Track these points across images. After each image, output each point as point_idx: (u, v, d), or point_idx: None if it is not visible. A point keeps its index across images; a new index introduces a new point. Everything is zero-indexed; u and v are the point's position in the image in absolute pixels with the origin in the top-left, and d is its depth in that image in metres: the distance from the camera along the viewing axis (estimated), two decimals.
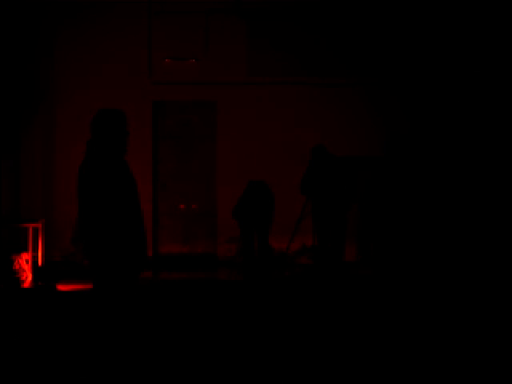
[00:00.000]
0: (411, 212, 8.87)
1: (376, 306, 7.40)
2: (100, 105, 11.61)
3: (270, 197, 9.10)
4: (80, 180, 4.79)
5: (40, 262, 8.79)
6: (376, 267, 9.08)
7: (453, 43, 10.53)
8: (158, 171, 10.86)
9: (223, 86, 10.70)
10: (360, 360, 5.43)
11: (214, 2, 10.58)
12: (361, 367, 5.25)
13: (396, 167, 8.85)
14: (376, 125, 10.50)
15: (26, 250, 8.71)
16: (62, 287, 8.42)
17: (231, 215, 9.23)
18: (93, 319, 4.73)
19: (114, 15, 10.66)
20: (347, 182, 9.10)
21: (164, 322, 6.62)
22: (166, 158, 10.89)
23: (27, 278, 8.50)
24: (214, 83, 10.68)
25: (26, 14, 10.44)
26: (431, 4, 10.52)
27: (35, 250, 8.80)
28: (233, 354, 5.59)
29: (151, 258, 10.52)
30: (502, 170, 10.37)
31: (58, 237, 10.21)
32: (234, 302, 7.76)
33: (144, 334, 5.01)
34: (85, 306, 7.52)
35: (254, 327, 6.48)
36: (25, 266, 8.48)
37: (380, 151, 9.19)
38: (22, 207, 10.50)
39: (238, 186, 9.32)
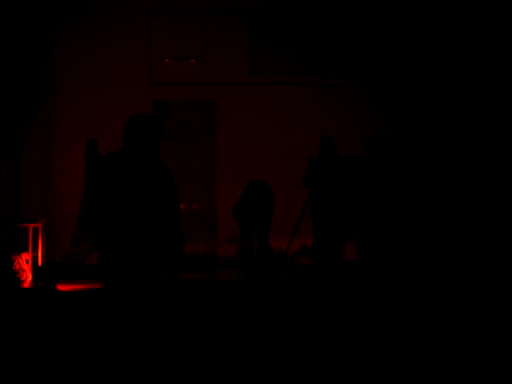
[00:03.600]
0: (397, 212, 8.83)
1: (376, 305, 7.39)
2: (100, 105, 11.68)
3: (270, 197, 9.09)
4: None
5: (40, 262, 8.79)
6: (362, 267, 9.03)
7: (453, 43, 10.53)
8: None
9: (223, 86, 10.70)
10: (360, 359, 5.43)
11: (214, 1, 10.57)
12: (360, 367, 5.25)
13: (377, 167, 8.79)
14: (376, 125, 10.48)
15: (26, 250, 8.70)
16: (62, 287, 8.42)
17: (231, 214, 9.22)
18: (96, 319, 4.73)
19: (114, 15, 10.65)
20: (349, 182, 9.09)
21: (164, 321, 6.62)
22: (166, 158, 10.86)
23: (27, 278, 8.49)
24: (214, 83, 10.68)
25: (26, 14, 10.44)
26: (431, 4, 10.52)
27: (35, 250, 8.79)
28: (233, 354, 5.59)
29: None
30: (501, 171, 10.37)
31: (58, 237, 10.20)
32: (234, 301, 7.75)
33: (143, 334, 5.01)
34: (84, 306, 7.52)
35: (254, 327, 6.47)
36: (25, 266, 8.48)
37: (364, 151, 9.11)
38: (22, 207, 10.50)
39: (238, 186, 9.31)
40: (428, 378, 5.05)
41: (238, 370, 5.21)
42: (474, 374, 5.12)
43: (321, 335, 6.20)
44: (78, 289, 8.42)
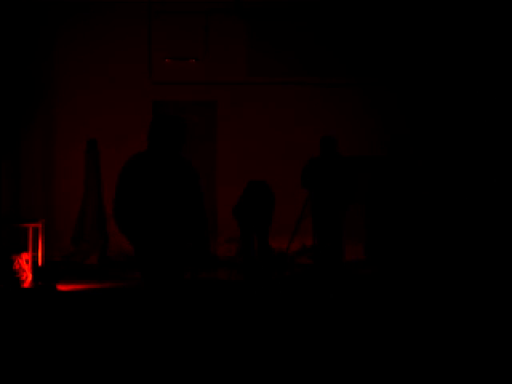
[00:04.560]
0: (415, 212, 8.90)
1: (376, 305, 7.40)
2: (100, 105, 11.65)
3: (270, 197, 9.08)
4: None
5: (40, 262, 8.79)
6: (376, 267, 9.08)
7: (453, 43, 10.53)
8: None
9: (223, 86, 10.70)
10: (360, 360, 5.43)
11: (214, 1, 10.57)
12: (361, 367, 5.26)
13: (400, 167, 8.89)
14: (376, 125, 10.49)
15: (26, 250, 8.70)
16: (62, 287, 8.42)
17: (231, 214, 9.22)
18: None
19: (114, 15, 10.65)
20: (349, 182, 9.12)
21: (163, 321, 6.61)
22: None
23: (27, 278, 8.50)
24: (214, 83, 10.68)
25: (26, 14, 10.44)
26: (431, 4, 10.52)
27: (35, 250, 8.79)
28: (233, 354, 5.59)
29: None
30: (502, 169, 10.37)
31: (57, 237, 10.20)
32: (234, 301, 7.76)
33: (143, 335, 5.02)
34: (84, 306, 7.53)
35: (254, 327, 6.47)
36: (25, 266, 8.48)
37: (381, 151, 9.20)
38: (22, 207, 10.50)
39: (238, 186, 9.31)
40: (428, 377, 5.05)
41: (238, 369, 5.21)
42: (474, 374, 5.12)
43: (321, 335, 6.20)
44: (78, 289, 8.42)
